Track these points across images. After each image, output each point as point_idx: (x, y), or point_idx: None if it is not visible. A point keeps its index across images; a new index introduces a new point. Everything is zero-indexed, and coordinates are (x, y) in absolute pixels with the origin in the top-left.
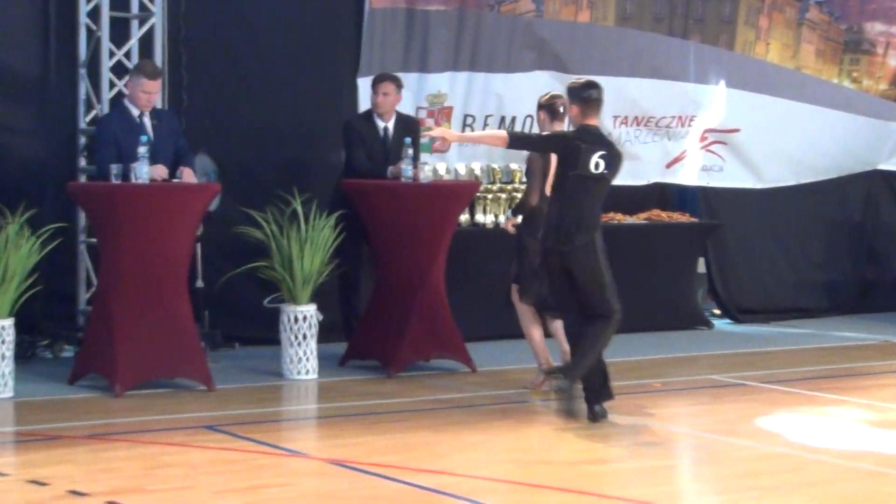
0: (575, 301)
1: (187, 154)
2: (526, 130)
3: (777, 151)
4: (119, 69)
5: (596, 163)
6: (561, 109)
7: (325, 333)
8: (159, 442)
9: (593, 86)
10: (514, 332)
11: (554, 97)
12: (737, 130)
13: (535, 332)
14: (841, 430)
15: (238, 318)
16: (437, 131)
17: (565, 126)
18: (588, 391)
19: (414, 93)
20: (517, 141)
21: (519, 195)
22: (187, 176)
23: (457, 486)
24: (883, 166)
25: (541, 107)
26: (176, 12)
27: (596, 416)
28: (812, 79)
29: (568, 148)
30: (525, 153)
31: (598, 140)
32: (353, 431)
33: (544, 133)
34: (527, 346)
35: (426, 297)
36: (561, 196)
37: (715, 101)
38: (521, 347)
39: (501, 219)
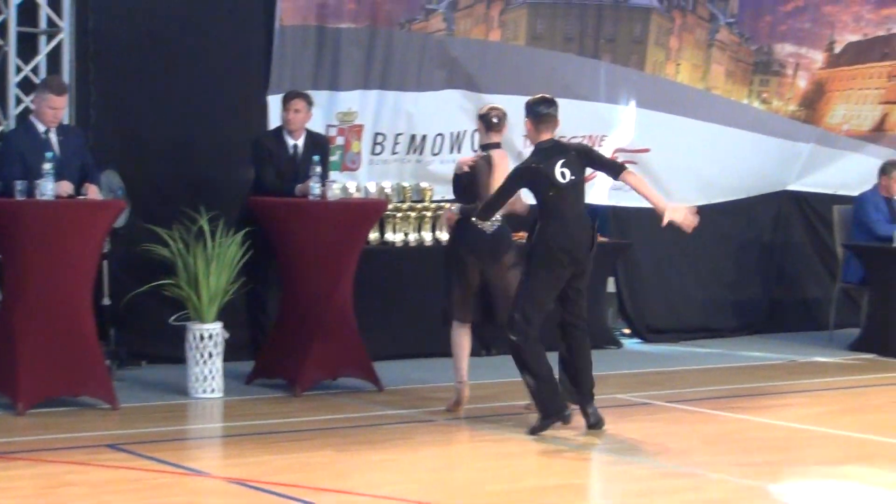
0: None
1: (94, 171)
2: (444, 152)
3: (687, 171)
4: (26, 85)
5: (561, 172)
6: (495, 120)
7: (233, 352)
8: (61, 461)
9: (546, 102)
10: (421, 350)
11: (490, 108)
12: (647, 150)
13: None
14: (742, 449)
15: (144, 336)
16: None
17: (501, 136)
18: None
19: (324, 110)
20: (487, 211)
21: (428, 214)
22: (92, 193)
23: None
24: (792, 187)
25: (478, 117)
26: (84, 28)
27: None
28: (722, 99)
29: (533, 176)
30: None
31: (554, 152)
32: (256, 450)
33: (504, 183)
34: (435, 365)
35: (333, 316)
36: (555, 215)
37: (625, 121)
38: (428, 366)
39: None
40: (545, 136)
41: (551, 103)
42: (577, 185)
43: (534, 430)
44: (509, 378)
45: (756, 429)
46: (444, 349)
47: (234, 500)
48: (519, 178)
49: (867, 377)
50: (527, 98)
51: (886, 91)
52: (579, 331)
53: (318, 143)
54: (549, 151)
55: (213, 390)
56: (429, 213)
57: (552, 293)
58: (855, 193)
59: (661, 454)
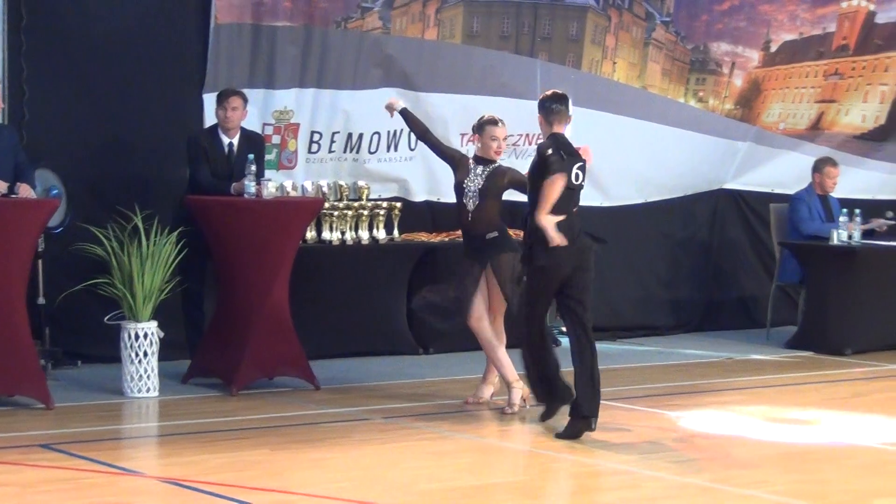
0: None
1: (27, 169)
2: (380, 150)
3: (624, 170)
4: None
5: (576, 174)
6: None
7: (169, 351)
8: None
9: (556, 98)
10: (358, 349)
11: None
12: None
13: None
14: (677, 446)
15: (80, 336)
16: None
17: None
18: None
19: (260, 109)
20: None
21: (365, 213)
22: (25, 191)
23: None
24: (729, 185)
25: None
26: (17, 25)
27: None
28: (658, 98)
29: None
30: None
31: (574, 152)
32: (191, 449)
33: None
34: (369, 364)
35: (269, 314)
36: (559, 211)
37: None
38: (365, 365)
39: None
40: (558, 129)
41: (564, 99)
42: (579, 192)
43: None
44: (448, 377)
45: (694, 426)
46: (379, 348)
47: (169, 500)
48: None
49: (803, 374)
50: (463, 96)
51: (822, 90)
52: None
53: (253, 142)
54: (570, 147)
55: (148, 389)
56: (366, 212)
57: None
58: (792, 192)
59: (597, 452)
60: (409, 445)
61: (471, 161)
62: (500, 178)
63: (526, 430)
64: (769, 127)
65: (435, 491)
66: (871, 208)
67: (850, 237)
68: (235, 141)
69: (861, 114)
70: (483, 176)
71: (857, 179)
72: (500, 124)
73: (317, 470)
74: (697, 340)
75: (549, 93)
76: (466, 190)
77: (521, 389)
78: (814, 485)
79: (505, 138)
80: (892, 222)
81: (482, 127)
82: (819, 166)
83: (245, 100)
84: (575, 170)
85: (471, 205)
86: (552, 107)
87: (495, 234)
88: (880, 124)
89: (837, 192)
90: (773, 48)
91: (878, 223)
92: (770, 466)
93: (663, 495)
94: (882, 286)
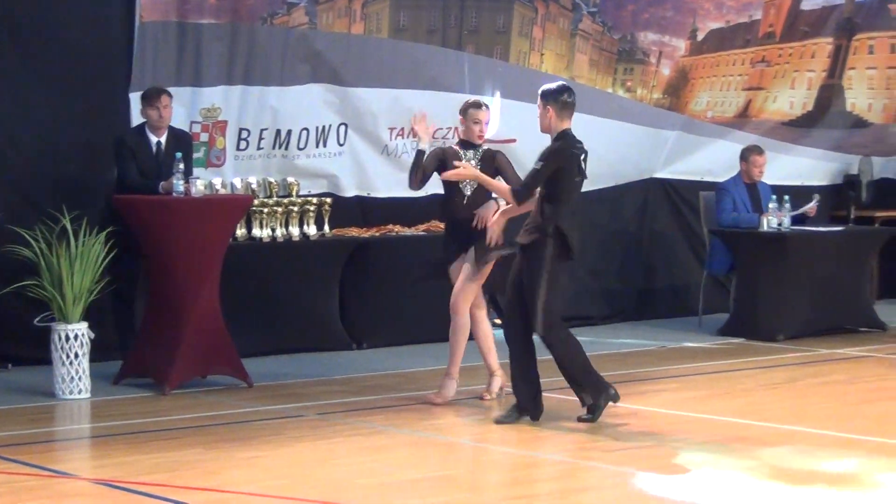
0: None
1: None
2: (309, 147)
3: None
4: None
5: (581, 167)
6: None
7: (100, 352)
8: None
9: (569, 90)
10: (290, 346)
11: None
12: (513, 141)
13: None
14: (611, 436)
15: (9, 338)
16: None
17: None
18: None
19: (187, 107)
20: (523, 194)
21: (295, 209)
22: None
23: (225, 503)
24: (659, 174)
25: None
26: None
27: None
28: (587, 88)
29: (571, 160)
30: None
31: (580, 145)
32: (123, 450)
33: (541, 162)
34: (302, 361)
35: (201, 313)
36: (568, 203)
37: (491, 112)
38: (298, 361)
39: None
40: (566, 125)
41: (572, 92)
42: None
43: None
44: (381, 371)
45: (627, 415)
46: (312, 344)
47: (102, 502)
48: (559, 156)
49: (736, 361)
50: (392, 91)
51: (749, 77)
52: None
53: (180, 140)
54: (577, 141)
55: (80, 391)
56: (296, 208)
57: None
58: (720, 179)
59: (533, 442)
60: (344, 441)
61: (457, 148)
62: (492, 161)
63: (461, 424)
64: (697, 115)
65: (371, 486)
66: (802, 194)
67: (779, 224)
68: (163, 140)
69: (789, 100)
70: (477, 160)
71: (787, 166)
72: (483, 108)
73: (251, 468)
74: (630, 329)
75: (557, 84)
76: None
77: (501, 378)
78: (747, 471)
79: (487, 121)
80: (817, 204)
81: (466, 110)
82: (745, 155)
83: (171, 98)
84: (582, 162)
85: (468, 189)
86: (569, 100)
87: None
88: (808, 111)
89: (766, 179)
90: (700, 37)
91: (807, 207)
92: (703, 453)
93: (597, 485)
94: (812, 272)
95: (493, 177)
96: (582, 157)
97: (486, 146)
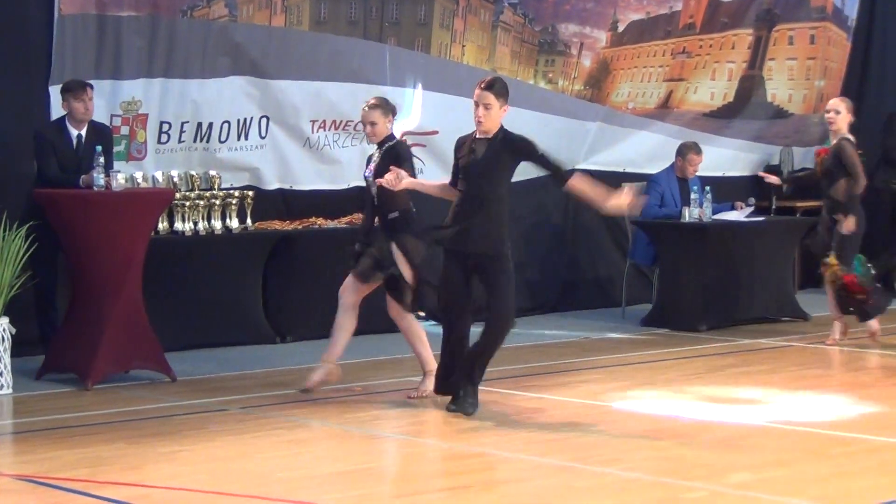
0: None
1: None
2: (231, 139)
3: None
4: None
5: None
6: None
7: (22, 347)
8: None
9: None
10: (213, 340)
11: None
12: (435, 133)
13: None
14: (535, 427)
15: None
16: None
17: None
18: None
19: (107, 100)
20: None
21: (217, 202)
22: None
23: (148, 498)
24: (581, 165)
25: None
26: None
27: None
28: (509, 80)
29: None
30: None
31: None
32: (45, 446)
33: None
34: (226, 355)
35: (123, 307)
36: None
37: (413, 105)
38: (220, 356)
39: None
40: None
41: None
42: None
43: None
44: (305, 364)
45: (551, 407)
46: (235, 337)
47: (24, 498)
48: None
49: (659, 352)
50: (314, 83)
51: (670, 69)
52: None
53: (101, 133)
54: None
55: (2, 387)
56: (218, 201)
57: None
58: (643, 171)
59: (453, 435)
60: (266, 434)
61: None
62: (394, 156)
63: (384, 416)
64: (619, 106)
65: (293, 479)
66: (723, 186)
67: (701, 215)
68: (84, 133)
69: (710, 91)
70: (379, 156)
71: (708, 157)
72: (366, 108)
73: (174, 462)
74: (554, 321)
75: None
76: (367, 175)
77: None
78: (669, 462)
79: (372, 122)
80: (752, 208)
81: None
82: (683, 151)
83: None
84: None
85: (374, 188)
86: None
87: (396, 214)
88: (728, 101)
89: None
90: (621, 28)
91: (739, 205)
92: (626, 444)
93: (518, 476)
94: (734, 262)
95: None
96: None
97: (392, 143)
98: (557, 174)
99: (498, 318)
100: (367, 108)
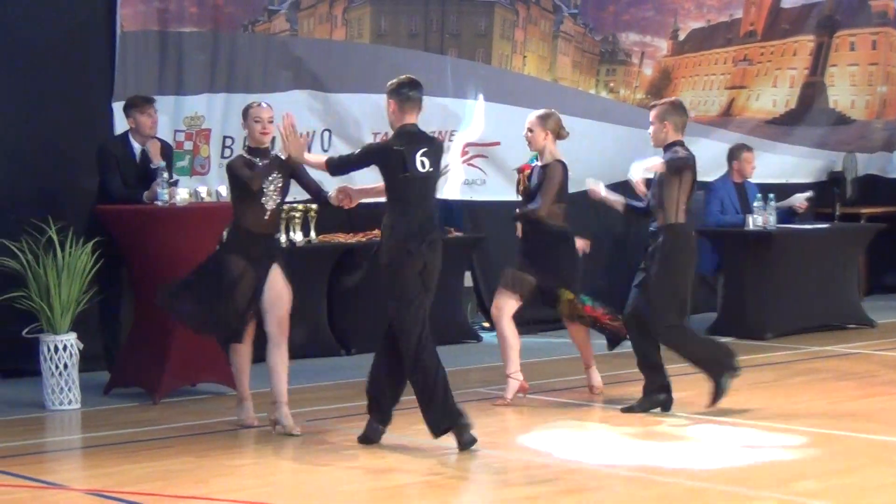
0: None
1: None
2: (312, 151)
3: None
4: None
5: (421, 161)
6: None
7: (90, 362)
8: None
9: (411, 85)
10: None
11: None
12: (497, 144)
13: None
14: (603, 438)
15: None
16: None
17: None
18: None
19: (171, 115)
20: (336, 167)
21: (282, 215)
22: None
23: None
24: (646, 176)
25: None
26: None
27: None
28: (570, 90)
29: (389, 156)
30: None
31: (417, 139)
32: (114, 460)
33: (360, 150)
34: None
35: None
36: (404, 202)
37: (474, 116)
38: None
39: None
40: (410, 120)
41: (416, 86)
42: (430, 180)
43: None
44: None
45: (619, 416)
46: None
47: None
48: (377, 151)
49: None
50: (374, 96)
51: (732, 76)
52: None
53: (162, 149)
54: (411, 136)
55: (70, 402)
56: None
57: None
58: (706, 178)
59: (522, 445)
60: (332, 447)
61: (252, 160)
62: (286, 165)
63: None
64: None
65: (359, 492)
66: (786, 193)
67: (765, 223)
68: (147, 147)
69: (771, 99)
70: (275, 172)
71: (770, 164)
72: (262, 104)
73: (240, 476)
74: None
75: (402, 78)
76: (265, 189)
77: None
78: (736, 470)
79: (270, 119)
80: (807, 199)
81: (247, 111)
82: (735, 153)
83: None
84: (419, 157)
85: (270, 203)
86: (407, 94)
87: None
88: (791, 108)
89: (751, 178)
90: (682, 36)
91: (797, 200)
92: (693, 453)
93: (587, 486)
94: (798, 269)
95: (289, 180)
96: (421, 152)
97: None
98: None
99: None
100: (268, 106)
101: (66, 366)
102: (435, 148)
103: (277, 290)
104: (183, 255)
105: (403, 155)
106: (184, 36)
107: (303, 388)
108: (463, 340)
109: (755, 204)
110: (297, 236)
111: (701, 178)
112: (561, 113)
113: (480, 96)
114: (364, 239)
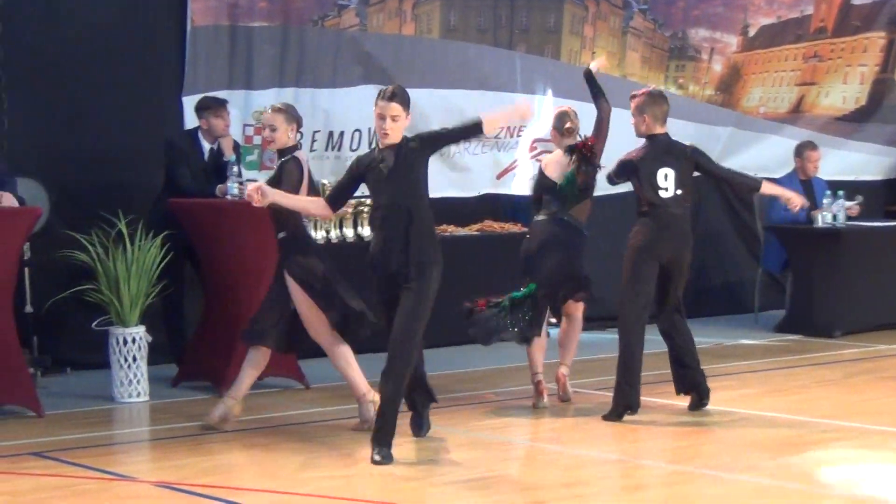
0: None
1: (8, 178)
2: (362, 148)
3: (605, 160)
4: None
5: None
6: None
7: (157, 354)
8: None
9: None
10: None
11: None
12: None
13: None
14: (667, 434)
15: (68, 343)
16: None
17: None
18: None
19: (241, 110)
20: (334, 201)
21: (349, 210)
22: (7, 200)
23: None
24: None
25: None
26: None
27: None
28: (639, 86)
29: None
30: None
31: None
32: (182, 453)
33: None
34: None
35: None
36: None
37: (543, 111)
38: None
39: (334, 233)
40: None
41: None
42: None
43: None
44: (438, 372)
45: (683, 413)
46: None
47: None
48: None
49: (792, 358)
50: (443, 91)
51: (802, 72)
52: None
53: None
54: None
55: (138, 394)
56: (350, 210)
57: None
58: (775, 175)
59: (584, 442)
60: (398, 441)
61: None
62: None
63: (515, 424)
64: (750, 111)
65: (425, 486)
66: (855, 190)
67: (834, 218)
68: (215, 145)
69: (841, 95)
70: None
71: (840, 161)
72: (267, 110)
73: (307, 469)
74: None
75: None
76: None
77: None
78: (802, 469)
79: (273, 127)
80: (858, 205)
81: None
82: (799, 151)
83: None
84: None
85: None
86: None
87: (283, 234)
88: (861, 105)
89: (820, 174)
90: (752, 32)
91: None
92: (759, 451)
93: (648, 483)
94: (867, 266)
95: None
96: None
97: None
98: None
99: None
100: (269, 112)
101: (134, 358)
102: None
103: (299, 306)
104: (252, 248)
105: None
106: (254, 30)
107: (369, 383)
108: None
109: (824, 201)
110: (365, 231)
111: (769, 174)
112: (629, 109)
113: (549, 92)
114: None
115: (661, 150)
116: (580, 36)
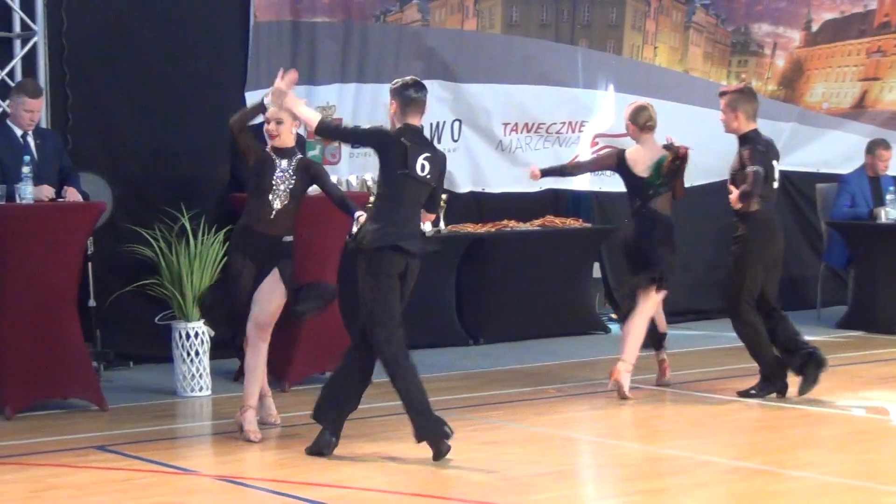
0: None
1: (72, 173)
2: (442, 141)
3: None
4: (2, 89)
5: (422, 164)
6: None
7: (220, 349)
8: (48, 464)
9: (415, 86)
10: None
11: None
12: (627, 135)
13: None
14: (731, 430)
15: (131, 336)
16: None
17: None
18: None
19: None
20: (326, 130)
21: None
22: (72, 195)
23: (345, 499)
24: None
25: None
26: (59, 30)
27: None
28: (701, 81)
29: (394, 146)
30: None
31: (422, 141)
32: (244, 447)
33: (366, 127)
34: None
35: None
36: (397, 202)
37: (604, 106)
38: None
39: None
40: (413, 121)
41: (420, 87)
42: (425, 187)
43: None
44: (498, 367)
45: (746, 409)
46: (428, 340)
47: (223, 498)
48: (383, 135)
49: (855, 354)
50: (505, 86)
51: (865, 68)
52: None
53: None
54: (419, 138)
55: (201, 388)
56: None
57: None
58: (837, 171)
59: (648, 437)
60: (462, 437)
61: (271, 155)
62: (307, 171)
63: (579, 419)
64: (813, 107)
65: (489, 481)
66: None
67: None
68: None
69: None
70: (293, 168)
71: None
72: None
73: (369, 464)
74: None
75: (406, 79)
76: (275, 187)
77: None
78: (866, 465)
79: (278, 120)
80: None
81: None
82: (871, 148)
83: None
84: (421, 160)
85: (277, 203)
86: (409, 95)
87: (291, 238)
88: None
89: (886, 173)
90: (815, 28)
91: None
92: (822, 447)
93: (715, 480)
94: None
95: (308, 186)
96: (423, 156)
97: (300, 157)
98: None
99: None
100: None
101: (197, 353)
102: (438, 159)
103: (265, 290)
104: (314, 244)
105: (407, 150)
106: (316, 26)
107: (432, 378)
108: (591, 332)
109: (888, 197)
110: (427, 226)
111: (832, 170)
112: (691, 104)
113: (611, 87)
114: (493, 229)
115: (768, 145)
116: (642, 31)
